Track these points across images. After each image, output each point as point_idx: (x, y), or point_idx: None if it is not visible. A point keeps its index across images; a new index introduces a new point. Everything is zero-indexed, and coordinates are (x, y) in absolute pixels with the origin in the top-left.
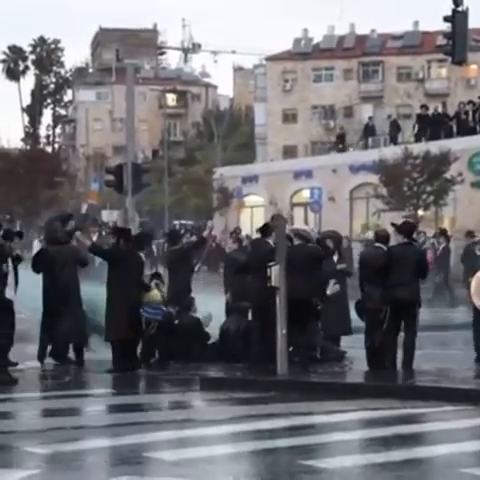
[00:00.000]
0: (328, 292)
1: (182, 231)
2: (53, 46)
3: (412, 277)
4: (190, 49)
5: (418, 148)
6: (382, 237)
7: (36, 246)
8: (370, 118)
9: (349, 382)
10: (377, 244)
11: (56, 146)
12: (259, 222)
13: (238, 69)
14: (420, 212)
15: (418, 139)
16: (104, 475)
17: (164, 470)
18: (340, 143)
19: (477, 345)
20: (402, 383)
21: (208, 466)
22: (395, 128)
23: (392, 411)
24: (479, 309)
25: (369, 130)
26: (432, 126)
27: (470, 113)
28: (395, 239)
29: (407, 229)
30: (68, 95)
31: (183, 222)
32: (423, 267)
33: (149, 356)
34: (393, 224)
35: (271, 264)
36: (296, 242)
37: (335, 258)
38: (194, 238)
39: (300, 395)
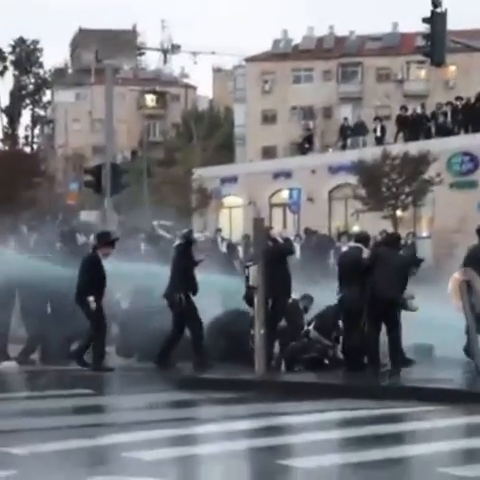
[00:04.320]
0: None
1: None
2: (32, 47)
3: (395, 278)
4: (169, 50)
5: (397, 149)
6: (362, 238)
7: None
8: (345, 119)
9: (327, 382)
10: (357, 245)
11: (35, 147)
12: (238, 223)
13: (217, 70)
14: (398, 213)
15: (379, 142)
16: (82, 475)
17: (142, 470)
18: (307, 144)
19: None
20: (380, 383)
21: (186, 466)
22: (362, 129)
23: (369, 411)
24: (458, 310)
25: (345, 131)
26: (411, 127)
27: (449, 114)
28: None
29: (392, 240)
30: (47, 96)
31: (162, 222)
32: (406, 275)
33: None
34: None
35: (248, 264)
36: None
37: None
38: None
39: (278, 395)
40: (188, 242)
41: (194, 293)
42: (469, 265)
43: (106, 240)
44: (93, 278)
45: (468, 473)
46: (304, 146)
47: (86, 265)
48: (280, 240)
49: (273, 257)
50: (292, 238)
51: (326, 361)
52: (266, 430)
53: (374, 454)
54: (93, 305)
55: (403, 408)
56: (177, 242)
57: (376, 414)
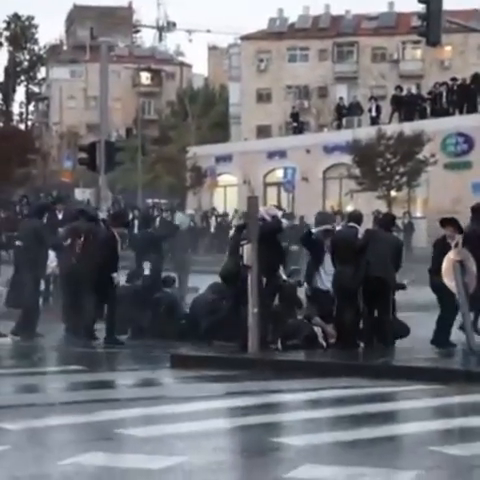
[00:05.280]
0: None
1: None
2: (27, 23)
3: (388, 259)
4: (165, 27)
5: (392, 129)
6: (355, 217)
7: None
8: (341, 98)
9: (319, 361)
10: (350, 224)
11: (29, 123)
12: (232, 201)
13: (213, 48)
14: (393, 193)
15: (374, 122)
16: (75, 451)
17: (136, 446)
18: (295, 122)
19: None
20: (372, 362)
21: (179, 443)
22: (358, 109)
23: (361, 390)
24: (451, 290)
25: (341, 110)
26: (406, 107)
27: (444, 95)
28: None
29: (387, 221)
30: (42, 72)
31: (156, 201)
32: (400, 257)
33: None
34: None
35: (243, 243)
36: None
37: None
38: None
39: (270, 373)
40: None
41: None
42: (464, 246)
43: (121, 221)
44: (113, 256)
45: (460, 452)
46: (293, 125)
47: (105, 243)
48: (268, 218)
49: (263, 236)
50: (280, 214)
51: (324, 344)
52: (259, 408)
53: (366, 432)
54: (118, 279)
55: (395, 387)
56: (238, 222)
57: (368, 393)
